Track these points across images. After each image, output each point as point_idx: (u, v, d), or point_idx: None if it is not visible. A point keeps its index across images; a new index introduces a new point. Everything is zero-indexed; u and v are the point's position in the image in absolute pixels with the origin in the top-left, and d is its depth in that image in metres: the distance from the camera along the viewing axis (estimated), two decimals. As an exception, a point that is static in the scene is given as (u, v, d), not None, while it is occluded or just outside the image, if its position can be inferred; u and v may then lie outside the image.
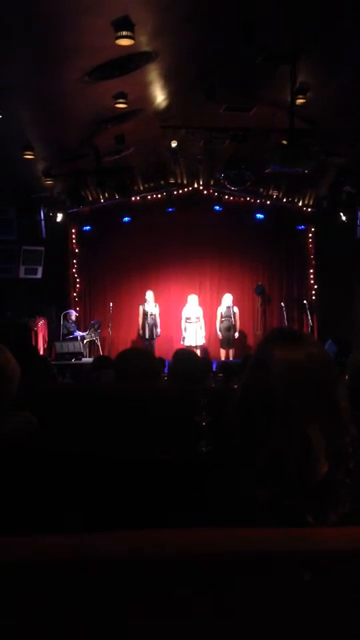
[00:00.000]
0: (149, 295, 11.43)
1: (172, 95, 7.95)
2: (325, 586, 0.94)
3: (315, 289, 12.45)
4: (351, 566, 0.94)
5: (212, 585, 0.92)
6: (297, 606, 0.94)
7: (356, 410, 1.27)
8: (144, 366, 2.72)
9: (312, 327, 11.84)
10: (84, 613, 0.90)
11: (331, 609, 0.95)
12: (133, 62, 6.35)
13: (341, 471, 1.14)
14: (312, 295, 12.43)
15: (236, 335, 11.53)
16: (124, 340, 11.87)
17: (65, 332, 11.06)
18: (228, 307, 11.52)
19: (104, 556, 0.92)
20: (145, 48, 6.20)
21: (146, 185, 11.49)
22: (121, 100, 7.19)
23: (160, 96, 7.93)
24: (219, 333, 11.50)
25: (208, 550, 0.93)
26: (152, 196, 11.72)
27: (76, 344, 10.54)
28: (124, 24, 5.32)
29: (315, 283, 12.48)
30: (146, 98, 7.82)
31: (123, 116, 7.83)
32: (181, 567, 0.92)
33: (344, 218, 10.87)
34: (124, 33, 5.40)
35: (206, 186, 11.76)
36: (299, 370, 1.17)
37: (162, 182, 11.51)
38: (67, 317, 11.27)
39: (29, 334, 10.22)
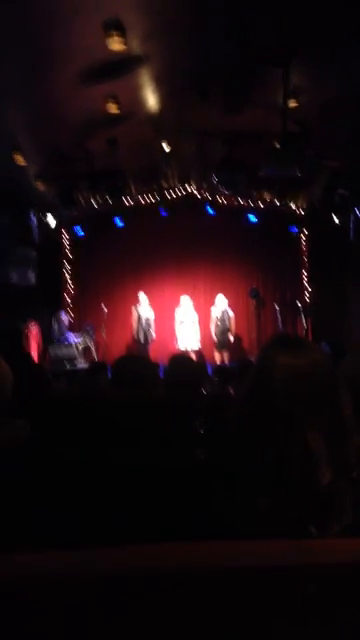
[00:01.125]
0: (142, 297, 11.41)
1: (164, 98, 7.95)
2: (330, 599, 0.91)
3: (309, 292, 12.47)
4: (355, 578, 0.92)
5: (213, 600, 0.90)
6: (302, 620, 0.92)
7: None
8: (142, 372, 2.70)
9: (306, 330, 11.85)
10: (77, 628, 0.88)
11: (336, 622, 0.92)
12: (125, 65, 6.35)
13: (344, 480, 1.12)
14: (306, 298, 12.44)
15: (231, 338, 11.52)
16: (118, 344, 11.84)
17: (58, 336, 11.01)
18: (223, 310, 11.51)
19: (101, 572, 0.90)
20: (137, 51, 6.20)
21: (139, 188, 11.48)
22: (113, 103, 7.18)
23: (152, 99, 7.93)
24: (214, 337, 11.49)
25: (208, 564, 0.91)
26: (145, 200, 11.71)
27: (70, 349, 10.49)
28: (115, 27, 5.31)
29: (309, 286, 12.49)
30: (138, 101, 7.82)
31: (115, 119, 7.82)
32: (181, 582, 0.90)
33: (337, 221, 10.89)
34: (115, 37, 5.39)
35: (199, 189, 11.77)
36: (302, 377, 1.15)
37: (155, 185, 11.51)
38: (59, 321, 11.23)
39: (22, 339, 10.18)
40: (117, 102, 7.19)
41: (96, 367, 4.94)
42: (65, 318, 11.36)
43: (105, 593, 0.88)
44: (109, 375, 3.66)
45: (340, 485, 1.11)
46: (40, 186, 9.44)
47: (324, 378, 1.16)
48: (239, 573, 0.91)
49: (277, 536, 1.00)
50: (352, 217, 10.20)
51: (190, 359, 4.58)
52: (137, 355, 4.98)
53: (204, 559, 0.92)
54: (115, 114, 7.47)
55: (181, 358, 3.73)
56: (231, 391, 4.14)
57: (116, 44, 5.53)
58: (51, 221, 10.58)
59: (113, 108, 7.25)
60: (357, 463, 1.14)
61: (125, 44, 5.55)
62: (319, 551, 0.97)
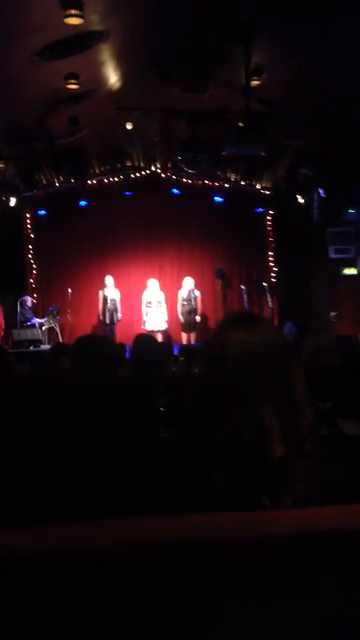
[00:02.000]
0: (109, 280, 11.36)
1: (126, 76, 7.83)
2: (281, 569, 0.93)
3: (274, 272, 12.56)
4: (308, 548, 0.94)
5: (166, 574, 0.90)
6: (255, 590, 0.93)
7: (312, 392, 1.26)
8: (103, 353, 2.68)
9: (272, 309, 11.97)
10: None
11: (288, 592, 0.94)
12: (84, 41, 6.22)
13: (297, 453, 1.13)
14: (271, 278, 12.54)
15: (198, 319, 11.57)
16: (84, 326, 11.76)
17: (22, 319, 10.88)
18: (189, 290, 11.53)
19: (58, 549, 0.90)
20: (96, 27, 6.08)
21: (102, 168, 11.34)
22: (73, 81, 7.05)
23: (113, 77, 7.80)
24: (180, 317, 11.52)
25: (162, 538, 0.92)
26: (108, 179, 11.57)
27: (34, 331, 10.37)
28: (73, 2, 5.19)
29: (274, 266, 12.58)
30: (99, 79, 7.68)
31: (76, 97, 7.68)
32: (135, 557, 0.90)
33: (301, 200, 10.96)
34: (73, 12, 5.27)
35: (163, 169, 11.68)
36: (254, 353, 1.16)
37: (118, 165, 11.38)
38: (23, 304, 11.08)
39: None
40: (77, 79, 7.05)
41: (58, 349, 4.90)
42: (29, 302, 11.22)
43: (58, 570, 0.88)
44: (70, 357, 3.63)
45: (293, 458, 1.13)
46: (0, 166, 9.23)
47: (277, 355, 1.17)
48: (192, 546, 0.92)
49: (231, 509, 1.01)
50: (316, 197, 10.28)
51: (154, 339, 4.59)
52: (97, 335, 4.95)
53: (158, 533, 0.93)
54: (76, 91, 7.33)
55: (145, 338, 3.74)
56: (196, 371, 4.16)
57: (74, 20, 5.41)
58: (12, 200, 10.37)
59: (73, 85, 7.11)
60: (310, 436, 1.16)
61: (83, 18, 5.43)
62: (272, 523, 0.98)
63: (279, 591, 0.94)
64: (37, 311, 11.42)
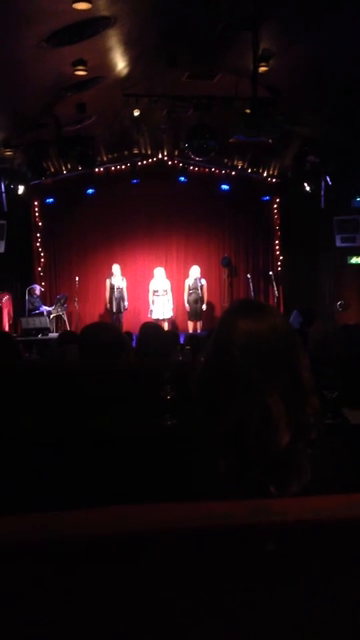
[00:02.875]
0: (115, 268, 11.35)
1: (133, 62, 7.77)
2: (288, 557, 0.94)
3: (281, 260, 12.52)
4: (313, 536, 0.95)
5: (173, 561, 0.91)
6: (260, 578, 0.94)
7: (317, 381, 1.26)
8: (109, 341, 2.69)
9: (278, 298, 11.94)
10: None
11: (293, 580, 0.95)
12: (91, 27, 6.17)
13: (302, 441, 1.14)
14: (278, 266, 12.50)
15: (204, 307, 11.56)
16: (91, 314, 11.78)
17: (30, 307, 10.91)
18: (195, 279, 11.51)
19: (63, 535, 0.91)
20: (104, 12, 6.02)
21: (109, 156, 11.30)
22: (80, 67, 7.00)
23: (121, 63, 7.75)
24: (187, 305, 11.51)
25: (169, 526, 0.93)
26: (116, 167, 11.54)
27: (42, 319, 10.41)
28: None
29: (280, 254, 12.54)
30: (106, 65, 7.63)
31: (83, 84, 7.63)
32: (141, 544, 0.91)
33: (308, 188, 10.90)
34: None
35: (170, 157, 11.63)
36: (261, 341, 1.16)
37: (126, 153, 11.34)
38: (31, 292, 11.11)
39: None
40: (85, 66, 7.01)
41: (66, 337, 4.91)
42: (38, 290, 11.25)
43: (65, 557, 0.89)
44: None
45: (299, 446, 1.13)
46: (8, 153, 9.21)
47: (284, 342, 1.17)
48: (198, 534, 0.93)
49: (237, 497, 1.02)
50: (323, 185, 10.21)
51: (161, 327, 4.59)
52: (104, 322, 4.96)
53: (165, 521, 0.94)
54: (83, 78, 7.29)
55: (152, 326, 3.74)
56: (202, 359, 4.17)
57: (82, 5, 5.37)
58: (20, 188, 10.36)
59: (81, 72, 7.07)
60: (315, 425, 1.17)
61: (91, 3, 5.38)
62: (278, 510, 0.98)
63: (285, 578, 0.95)
64: (45, 299, 11.45)
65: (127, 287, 11.42)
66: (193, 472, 1.19)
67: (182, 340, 7.29)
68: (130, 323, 10.85)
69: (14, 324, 10.75)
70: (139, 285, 11.80)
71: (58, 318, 11.29)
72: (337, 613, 0.96)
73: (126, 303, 11.36)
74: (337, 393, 2.29)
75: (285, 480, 1.12)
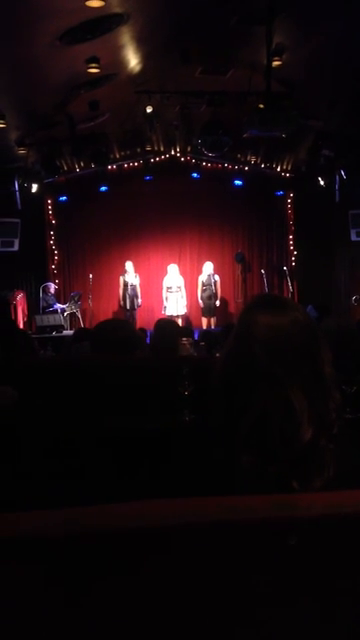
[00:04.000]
0: (129, 266, 11.37)
1: (146, 59, 7.77)
2: (310, 551, 0.94)
3: (295, 255, 12.46)
4: (336, 531, 0.95)
5: (197, 555, 0.92)
6: (283, 572, 0.94)
7: (337, 375, 1.26)
8: (123, 337, 2.70)
9: (292, 293, 11.89)
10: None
11: (316, 574, 0.95)
12: (104, 24, 6.17)
13: (325, 436, 1.14)
14: (292, 261, 12.45)
15: (217, 303, 11.55)
16: (105, 311, 11.82)
17: (45, 305, 10.97)
18: (209, 275, 11.50)
19: (87, 529, 0.91)
20: (116, 10, 6.02)
21: (122, 153, 11.31)
22: (93, 65, 7.01)
23: (133, 60, 7.75)
24: (200, 302, 11.51)
25: (193, 520, 0.93)
26: (129, 164, 11.55)
27: (57, 317, 10.46)
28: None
29: (295, 249, 12.48)
30: (119, 62, 7.63)
31: (96, 81, 7.64)
32: (165, 539, 0.91)
33: (322, 183, 10.83)
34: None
35: (183, 153, 11.61)
36: (282, 335, 1.16)
37: (138, 150, 11.34)
38: (46, 290, 11.17)
39: (8, 308, 10.12)
40: (98, 63, 7.01)
41: (80, 334, 4.94)
42: (53, 288, 11.31)
43: (92, 551, 0.90)
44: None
45: (321, 441, 1.13)
46: (22, 152, 9.25)
47: (305, 336, 1.17)
48: (223, 527, 0.93)
49: (260, 492, 1.02)
50: (337, 178, 10.14)
51: (176, 323, 4.60)
52: (118, 319, 4.98)
53: (188, 515, 0.94)
54: (96, 75, 7.30)
55: (167, 322, 3.75)
56: (217, 355, 4.17)
57: (95, 2, 5.38)
58: (34, 187, 10.41)
59: (94, 69, 7.08)
60: (337, 419, 1.16)
61: (104, 0, 5.39)
62: (301, 505, 0.99)
63: (308, 572, 0.95)
64: (59, 297, 11.51)
65: (141, 284, 11.44)
66: (214, 467, 1.20)
67: (196, 336, 7.30)
68: (144, 320, 10.87)
69: (28, 322, 10.82)
70: (153, 282, 11.82)
71: (72, 315, 11.35)
72: (361, 607, 0.96)
73: (139, 300, 11.37)
74: (356, 388, 2.28)
75: (308, 475, 1.12)
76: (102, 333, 2.75)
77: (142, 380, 2.45)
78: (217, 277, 11.57)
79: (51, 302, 11.03)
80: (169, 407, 2.25)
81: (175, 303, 11.33)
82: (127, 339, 2.68)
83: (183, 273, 11.71)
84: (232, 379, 1.19)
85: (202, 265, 11.68)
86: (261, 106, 7.16)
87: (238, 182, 11.66)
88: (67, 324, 10.89)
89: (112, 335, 2.66)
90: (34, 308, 11.04)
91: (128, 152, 11.33)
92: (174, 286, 11.40)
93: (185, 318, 11.50)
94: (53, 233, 11.99)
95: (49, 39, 6.26)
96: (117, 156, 11.27)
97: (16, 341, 3.90)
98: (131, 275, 11.32)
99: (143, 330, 7.15)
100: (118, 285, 11.45)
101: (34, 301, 11.16)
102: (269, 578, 0.94)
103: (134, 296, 11.25)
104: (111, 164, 11.25)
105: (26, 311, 10.89)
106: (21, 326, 10.16)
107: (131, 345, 2.69)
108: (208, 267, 11.56)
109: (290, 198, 12.43)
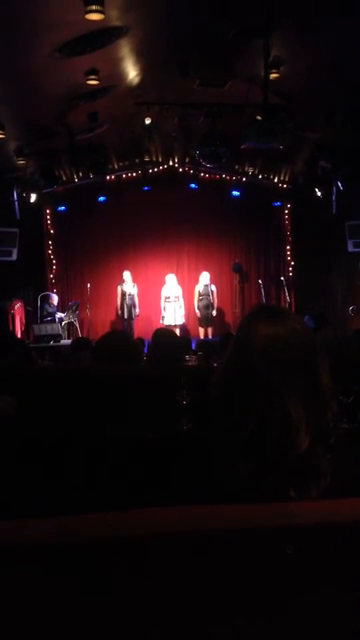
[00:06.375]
0: (126, 275, 11.39)
1: (145, 71, 7.82)
2: (307, 559, 0.95)
3: (292, 265, 12.50)
4: (332, 539, 0.96)
5: (195, 563, 0.93)
6: (280, 579, 0.95)
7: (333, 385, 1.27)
8: (127, 349, 2.71)
9: (289, 304, 11.92)
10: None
11: (313, 581, 0.96)
12: (104, 37, 6.22)
13: (322, 446, 1.15)
14: (289, 272, 12.48)
15: (214, 313, 11.57)
16: (103, 321, 11.82)
17: (45, 314, 10.96)
18: (206, 285, 11.53)
19: (87, 537, 0.92)
20: (116, 23, 6.08)
21: (121, 164, 11.36)
22: (93, 76, 7.05)
23: (132, 72, 7.80)
24: (197, 312, 11.53)
25: (191, 528, 0.94)
26: (127, 175, 11.59)
27: (54, 326, 10.45)
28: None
29: (292, 260, 12.52)
30: (118, 74, 7.69)
31: (95, 93, 7.69)
32: (164, 546, 0.92)
33: (319, 194, 10.88)
34: (94, 7, 5.27)
35: (181, 164, 11.67)
36: (281, 345, 1.17)
37: (137, 160, 11.39)
38: (48, 300, 11.17)
39: (6, 317, 10.12)
40: (97, 75, 7.06)
41: (79, 343, 4.95)
42: (55, 299, 11.31)
43: (89, 559, 0.91)
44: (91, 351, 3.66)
45: (318, 450, 1.14)
46: (21, 162, 9.28)
47: (303, 347, 1.19)
48: (221, 536, 0.94)
49: (258, 500, 1.03)
50: (334, 190, 10.19)
51: (173, 333, 4.61)
52: (118, 331, 4.99)
53: (187, 523, 0.95)
54: (96, 87, 7.35)
55: (164, 332, 3.75)
56: (214, 364, 4.18)
57: (95, 15, 5.42)
58: (32, 197, 10.44)
59: (93, 81, 7.12)
60: (335, 429, 1.17)
61: (103, 14, 5.43)
62: (298, 514, 1.00)
63: (305, 580, 0.96)
64: (58, 307, 11.51)
65: (139, 294, 11.45)
66: (212, 476, 1.20)
67: (194, 346, 7.31)
68: (142, 329, 10.87)
69: (26, 331, 10.80)
70: (151, 291, 11.83)
71: (70, 325, 11.34)
72: (358, 615, 0.97)
73: (137, 310, 11.38)
74: (353, 398, 2.30)
75: (305, 484, 1.13)
76: (107, 346, 2.76)
77: (140, 390, 2.46)
78: (214, 287, 11.60)
79: (52, 311, 11.02)
80: (167, 416, 2.26)
81: (173, 313, 11.34)
82: (131, 351, 2.69)
83: (181, 283, 11.74)
84: (231, 388, 1.20)
85: (199, 275, 11.71)
86: (259, 118, 7.22)
87: (236, 193, 11.71)
88: (65, 333, 10.88)
89: (118, 349, 2.67)
90: (32, 317, 11.04)
91: (127, 163, 11.38)
92: (172, 296, 11.42)
93: (183, 328, 11.51)
94: (51, 243, 12.01)
95: (49, 51, 6.30)
96: (116, 166, 11.32)
97: (14, 350, 3.91)
98: (129, 285, 11.34)
99: (141, 339, 7.16)
100: (116, 295, 11.46)
101: (32, 310, 11.15)
102: (267, 585, 0.95)
103: (132, 306, 11.25)
104: (110, 174, 11.30)
105: (24, 320, 10.88)
106: (19, 335, 10.15)
107: (134, 357, 2.71)
108: (205, 277, 11.59)
109: (287, 209, 12.48)
